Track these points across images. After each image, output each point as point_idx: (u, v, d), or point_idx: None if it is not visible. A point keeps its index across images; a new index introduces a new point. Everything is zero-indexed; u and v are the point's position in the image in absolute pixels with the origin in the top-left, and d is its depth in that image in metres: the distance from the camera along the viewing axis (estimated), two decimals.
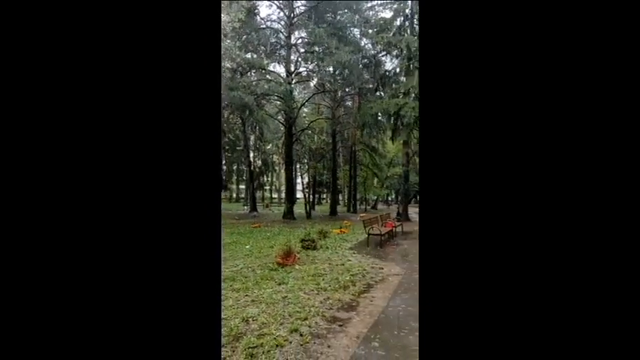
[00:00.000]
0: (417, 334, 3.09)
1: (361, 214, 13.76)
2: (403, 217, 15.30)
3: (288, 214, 15.90)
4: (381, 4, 16.40)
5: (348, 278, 4.99)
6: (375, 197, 30.93)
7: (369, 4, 16.57)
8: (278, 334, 3.04)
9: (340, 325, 3.29)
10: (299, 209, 20.06)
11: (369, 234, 8.51)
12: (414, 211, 22.89)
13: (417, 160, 24.70)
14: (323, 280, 4.88)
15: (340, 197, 31.76)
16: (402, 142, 16.30)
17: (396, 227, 10.39)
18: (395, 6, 15.59)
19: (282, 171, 16.61)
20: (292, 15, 15.46)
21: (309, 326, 3.23)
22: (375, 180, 25.40)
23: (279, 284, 4.63)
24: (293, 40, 15.96)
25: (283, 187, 17.28)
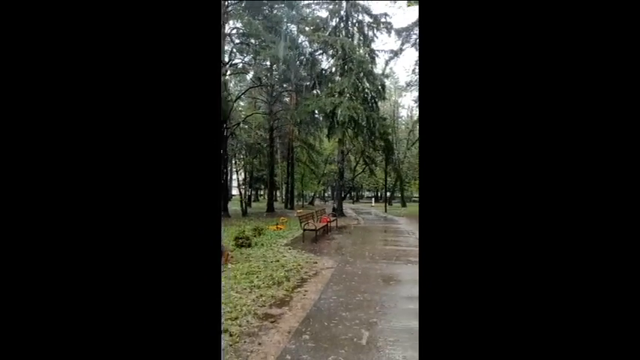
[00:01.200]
0: (346, 323, 3.25)
1: (298, 210, 13.89)
2: (338, 212, 15.87)
3: (223, 211, 15.27)
4: (317, 3, 16.62)
5: (282, 274, 5.00)
6: (313, 193, 31.46)
7: (305, 2, 16.67)
8: None
9: (272, 322, 3.29)
10: (234, 206, 19.39)
11: (304, 229, 8.63)
12: (348, 207, 23.87)
13: (352, 157, 25.80)
14: (257, 277, 4.82)
15: (278, 193, 31.55)
16: (337, 140, 16.82)
17: (330, 222, 10.73)
18: (330, 6, 15.94)
19: None
20: (226, 3, 14.76)
21: (240, 325, 3.16)
22: (312, 176, 25.81)
23: None
24: (227, 30, 15.26)
25: None
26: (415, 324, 3.29)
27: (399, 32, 15.46)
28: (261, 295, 4.04)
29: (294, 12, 15.70)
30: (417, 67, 15.83)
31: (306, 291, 4.32)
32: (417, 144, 23.47)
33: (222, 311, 3.48)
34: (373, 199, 35.38)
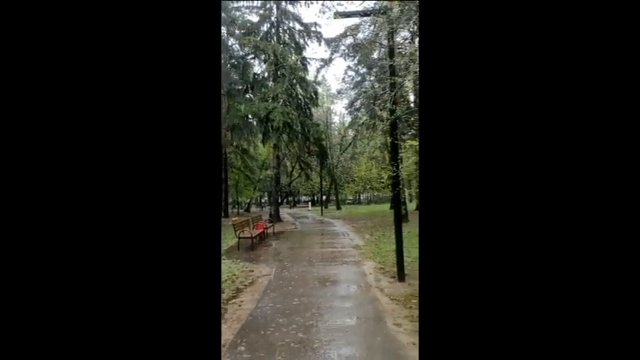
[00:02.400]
0: (283, 329, 3.24)
1: (233, 218, 13.38)
2: (275, 217, 15.71)
3: None
4: (247, 7, 16.39)
5: None
6: (248, 200, 30.62)
7: (235, 4, 16.30)
8: None
9: None
10: None
11: (239, 238, 8.36)
12: (285, 212, 23.81)
13: (288, 162, 25.85)
14: None
15: None
16: (272, 145, 16.71)
17: (267, 228, 10.58)
18: (261, 11, 15.86)
19: None
20: None
21: None
22: (248, 182, 25.14)
23: None
24: None
25: None
26: (349, 321, 3.44)
27: (328, 42, 16.07)
28: None
29: (223, 14, 15.22)
30: (346, 76, 16.64)
31: (241, 301, 4.19)
32: (349, 149, 24.56)
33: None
34: (310, 203, 35.89)
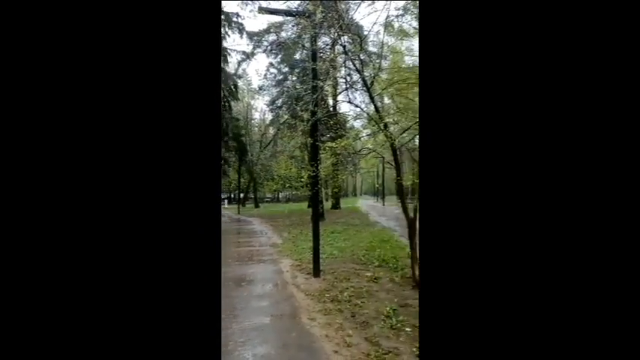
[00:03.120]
0: None
1: None
2: None
3: None
4: None
5: None
6: None
7: None
8: None
9: None
10: None
11: None
12: None
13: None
14: None
15: None
16: None
17: None
18: None
19: None
20: None
21: None
22: None
23: None
24: None
25: None
26: (264, 320, 3.44)
27: (251, 36, 15.64)
28: None
29: None
30: (268, 73, 16.46)
31: None
32: (270, 147, 24.38)
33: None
34: (226, 200, 34.42)
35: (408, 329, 3.15)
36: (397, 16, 5.09)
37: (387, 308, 3.62)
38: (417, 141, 4.98)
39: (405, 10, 5.04)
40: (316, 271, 5.12)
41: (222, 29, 15.52)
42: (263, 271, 5.56)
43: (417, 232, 4.51)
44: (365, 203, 28.95)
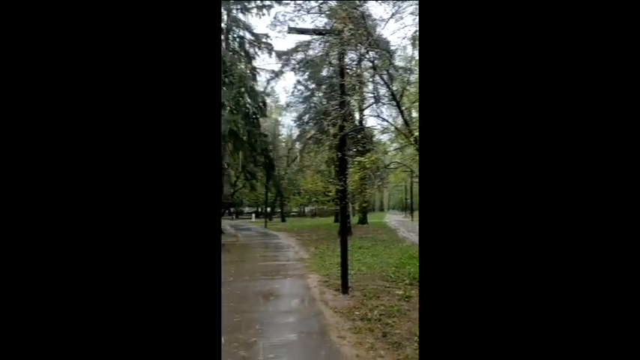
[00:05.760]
0: (225, 347, 3.06)
1: None
2: None
3: None
4: None
5: None
6: None
7: None
8: None
9: None
10: None
11: None
12: (227, 223, 22.82)
13: (232, 172, 25.01)
14: None
15: None
16: None
17: None
18: None
19: None
20: None
21: None
22: None
23: None
24: None
25: None
26: (293, 336, 3.38)
27: (279, 55, 16.20)
28: None
29: None
30: (296, 90, 16.87)
31: None
32: (296, 162, 24.68)
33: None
34: (253, 214, 34.99)
35: None
36: None
37: None
38: None
39: None
40: (344, 288, 5.01)
41: (252, 50, 16.23)
42: (290, 286, 5.53)
43: None
44: (393, 218, 28.32)
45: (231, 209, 36.62)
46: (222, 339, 3.26)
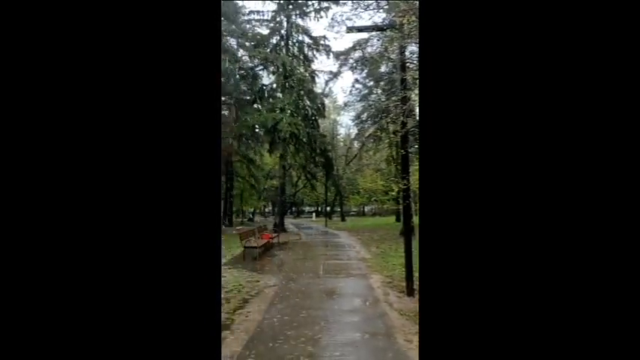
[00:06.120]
0: (292, 342, 3.19)
1: (237, 227, 13.36)
2: (280, 227, 15.65)
3: None
4: (257, 20, 16.74)
5: (222, 296, 4.73)
6: (252, 209, 30.61)
7: (246, 18, 16.68)
8: None
9: None
10: None
11: (245, 247, 8.32)
12: (289, 222, 23.73)
13: (293, 172, 25.99)
14: None
15: None
16: (279, 155, 16.79)
17: (273, 238, 10.53)
18: (271, 24, 16.19)
19: None
20: None
21: None
22: (252, 192, 25.18)
23: None
24: None
25: None
26: (358, 336, 3.37)
27: (337, 55, 16.30)
28: None
29: (233, 26, 15.57)
30: (353, 89, 16.81)
31: (248, 312, 4.14)
32: (355, 161, 24.58)
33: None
34: (314, 213, 35.78)
35: None
36: None
37: None
38: None
39: None
40: (409, 290, 4.84)
41: (310, 53, 16.59)
42: (353, 285, 5.52)
43: None
44: None
45: (293, 208, 37.98)
46: (290, 333, 3.40)
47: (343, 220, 27.52)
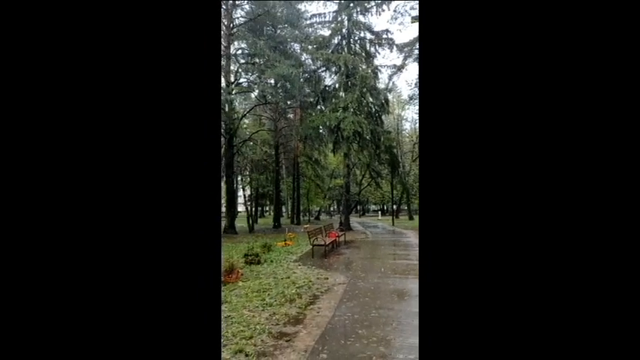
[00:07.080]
0: (363, 341, 3.17)
1: (305, 226, 13.83)
2: (345, 226, 15.74)
3: (229, 229, 15.23)
4: (319, 22, 17.06)
5: (294, 291, 4.93)
6: (318, 208, 31.35)
7: (308, 22, 17.12)
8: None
9: (287, 341, 3.23)
10: (240, 222, 19.37)
11: (313, 245, 8.55)
12: (355, 220, 23.68)
13: (357, 171, 25.90)
14: (268, 295, 4.75)
15: (283, 209, 31.62)
16: (342, 154, 16.89)
17: (339, 237, 10.63)
18: (332, 25, 16.35)
19: (223, 183, 15.94)
20: (231, 25, 15.22)
21: (255, 345, 3.10)
22: (318, 191, 25.80)
23: (222, 303, 4.38)
24: (232, 51, 15.67)
25: (223, 201, 16.58)
26: None
27: (400, 48, 15.75)
28: (274, 314, 3.98)
29: (297, 32, 16.12)
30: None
31: (319, 308, 4.24)
32: None
33: (222, 314, 3.42)
34: (379, 212, 35.13)
35: None
36: None
37: None
38: None
39: None
40: None
41: (373, 48, 16.31)
42: None
43: None
44: None
45: (358, 207, 37.83)
46: (362, 332, 3.39)
47: (411, 218, 26.47)
